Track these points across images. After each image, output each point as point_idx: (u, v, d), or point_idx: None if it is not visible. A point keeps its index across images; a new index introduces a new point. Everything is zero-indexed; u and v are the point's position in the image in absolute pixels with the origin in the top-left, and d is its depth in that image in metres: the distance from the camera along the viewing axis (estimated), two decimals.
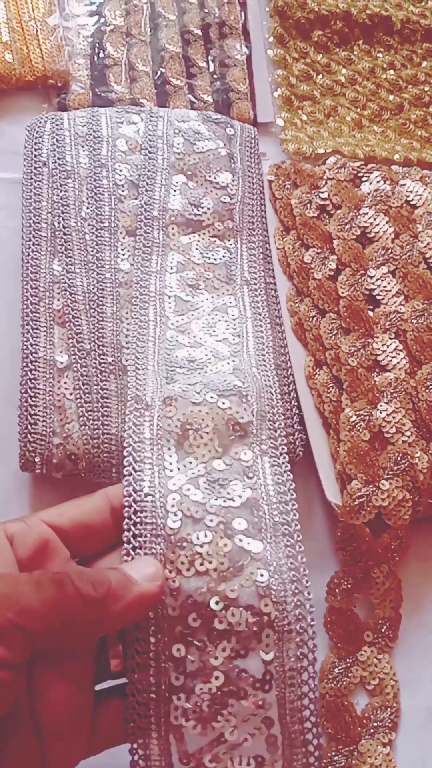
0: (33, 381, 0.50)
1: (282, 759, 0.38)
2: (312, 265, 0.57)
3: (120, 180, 0.56)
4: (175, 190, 0.56)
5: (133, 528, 0.39)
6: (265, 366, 0.51)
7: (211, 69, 0.68)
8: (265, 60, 0.70)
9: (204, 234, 0.56)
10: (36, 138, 0.57)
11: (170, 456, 0.42)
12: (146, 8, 0.68)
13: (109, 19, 0.66)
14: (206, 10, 0.69)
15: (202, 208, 0.56)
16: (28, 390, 0.50)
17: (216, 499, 0.40)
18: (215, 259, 0.55)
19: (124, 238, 0.54)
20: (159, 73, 0.66)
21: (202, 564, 0.38)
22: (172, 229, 0.55)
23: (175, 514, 0.39)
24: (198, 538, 0.38)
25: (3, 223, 0.58)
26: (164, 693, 0.37)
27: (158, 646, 0.37)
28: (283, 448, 0.46)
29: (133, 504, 0.39)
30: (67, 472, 0.49)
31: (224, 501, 0.40)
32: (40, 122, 0.58)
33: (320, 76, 0.70)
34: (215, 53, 0.68)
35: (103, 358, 0.50)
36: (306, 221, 0.58)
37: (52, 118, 0.58)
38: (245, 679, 0.37)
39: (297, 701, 0.38)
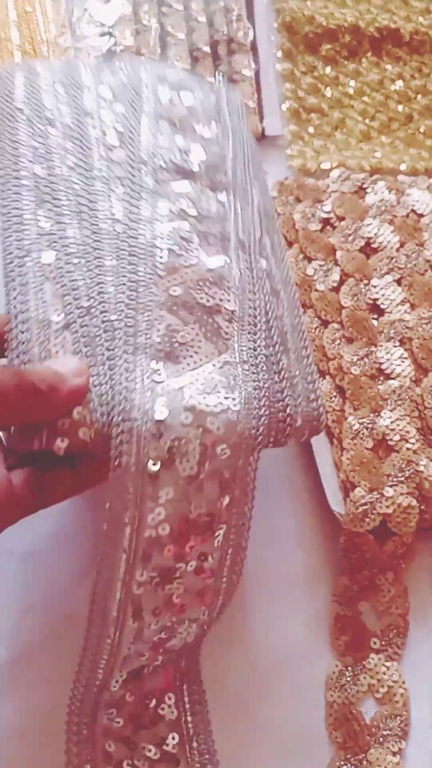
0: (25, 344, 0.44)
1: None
2: (315, 278, 0.57)
3: (107, 128, 0.52)
4: (162, 134, 0.52)
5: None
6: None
7: None
8: (274, 75, 0.70)
9: (195, 184, 0.51)
10: (7, 87, 0.52)
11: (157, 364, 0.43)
12: (156, 28, 0.69)
13: (119, 40, 0.68)
14: (215, 28, 0.70)
15: (192, 154, 0.52)
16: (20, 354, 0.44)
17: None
18: (208, 212, 0.50)
19: (117, 188, 0.50)
20: None
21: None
22: (162, 174, 0.50)
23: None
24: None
25: None
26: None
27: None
28: (261, 350, 0.45)
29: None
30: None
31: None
32: (9, 71, 0.53)
33: (328, 88, 0.71)
34: (224, 69, 0.69)
35: (105, 316, 0.45)
36: (309, 235, 0.59)
37: (23, 66, 0.54)
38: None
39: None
